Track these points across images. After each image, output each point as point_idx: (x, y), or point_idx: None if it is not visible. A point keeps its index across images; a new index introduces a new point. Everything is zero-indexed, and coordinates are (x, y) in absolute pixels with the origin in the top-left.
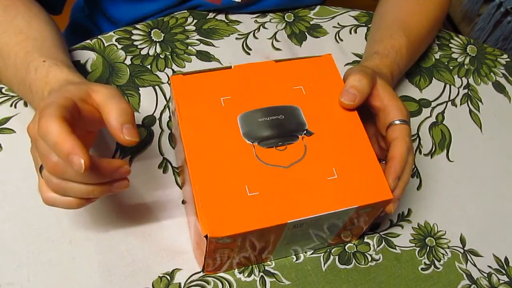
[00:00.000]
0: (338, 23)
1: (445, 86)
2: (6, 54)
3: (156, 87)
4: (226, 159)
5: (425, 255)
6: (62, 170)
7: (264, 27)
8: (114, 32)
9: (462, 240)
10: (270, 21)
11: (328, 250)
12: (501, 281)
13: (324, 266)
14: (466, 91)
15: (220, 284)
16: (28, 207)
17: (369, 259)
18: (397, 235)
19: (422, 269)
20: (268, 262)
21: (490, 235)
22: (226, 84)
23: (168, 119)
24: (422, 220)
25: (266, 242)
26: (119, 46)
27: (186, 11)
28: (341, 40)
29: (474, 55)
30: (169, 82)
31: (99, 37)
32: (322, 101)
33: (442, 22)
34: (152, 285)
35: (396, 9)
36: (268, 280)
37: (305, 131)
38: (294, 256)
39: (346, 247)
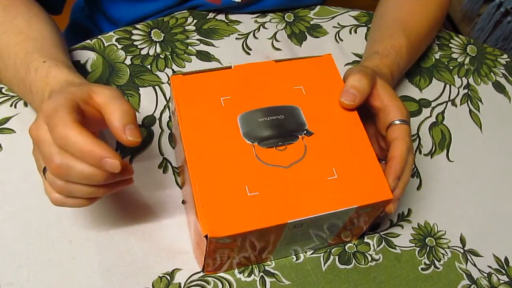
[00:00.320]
0: (338, 23)
1: (445, 86)
2: (6, 54)
3: (156, 87)
4: (226, 159)
5: (425, 255)
6: (66, 172)
7: (264, 27)
8: (114, 32)
9: (462, 240)
10: (270, 21)
11: (328, 250)
12: (501, 281)
13: (324, 266)
14: (466, 91)
15: (220, 284)
16: (28, 207)
17: (369, 259)
18: (397, 235)
19: (422, 269)
20: (268, 262)
21: (490, 235)
22: (226, 84)
23: (168, 119)
24: (422, 220)
25: (266, 242)
26: (119, 46)
27: (186, 11)
28: (341, 40)
29: (474, 55)
30: (169, 82)
31: (99, 37)
32: (322, 101)
33: (442, 22)
34: (152, 285)
35: (396, 9)
36: (268, 280)
37: (305, 131)
38: (294, 256)
39: (346, 247)
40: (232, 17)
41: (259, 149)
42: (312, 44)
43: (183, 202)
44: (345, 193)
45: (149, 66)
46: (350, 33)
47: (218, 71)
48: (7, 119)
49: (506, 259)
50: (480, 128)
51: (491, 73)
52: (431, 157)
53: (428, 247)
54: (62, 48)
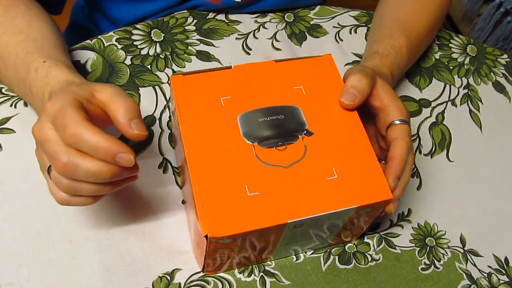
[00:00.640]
0: (338, 23)
1: (445, 86)
2: (6, 54)
3: (156, 87)
4: (226, 159)
5: (425, 255)
6: (72, 170)
7: (264, 27)
8: (114, 32)
9: (462, 240)
10: (270, 21)
11: (328, 250)
12: (501, 281)
13: (324, 266)
14: (466, 91)
15: (220, 284)
16: (28, 207)
17: (369, 259)
18: (397, 235)
19: (422, 269)
20: (268, 262)
21: (490, 235)
22: (226, 84)
23: (168, 119)
24: (422, 220)
25: (266, 242)
26: (119, 46)
27: (186, 11)
28: (341, 40)
29: (474, 55)
30: (169, 82)
31: (99, 37)
32: (322, 101)
33: (442, 22)
34: (152, 285)
35: (396, 9)
36: (268, 280)
37: (305, 131)
38: (294, 256)
39: (346, 247)
40: (232, 17)
41: (259, 149)
42: (312, 44)
43: (183, 202)
44: (345, 193)
45: (149, 66)
46: (350, 33)
47: (218, 71)
48: (7, 119)
49: (506, 259)
50: (480, 128)
51: (491, 73)
52: (431, 157)
53: (428, 247)
54: (62, 48)
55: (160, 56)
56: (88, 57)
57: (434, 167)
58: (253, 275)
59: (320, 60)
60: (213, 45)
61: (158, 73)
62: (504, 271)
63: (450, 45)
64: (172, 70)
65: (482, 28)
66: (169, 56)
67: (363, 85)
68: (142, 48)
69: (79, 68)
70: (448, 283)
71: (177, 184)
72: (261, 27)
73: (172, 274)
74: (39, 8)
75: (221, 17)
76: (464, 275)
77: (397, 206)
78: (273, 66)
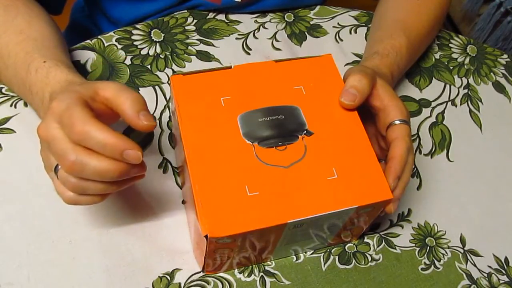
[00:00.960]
0: (338, 23)
1: (445, 86)
2: (6, 54)
3: (156, 87)
4: (226, 159)
5: (425, 255)
6: (80, 169)
7: (264, 27)
8: (114, 32)
9: (462, 240)
10: (270, 21)
11: (328, 250)
12: (501, 281)
13: (324, 266)
14: (466, 91)
15: (220, 284)
16: (28, 207)
17: (369, 259)
18: (397, 235)
19: (422, 269)
20: (268, 262)
21: (490, 235)
22: (226, 84)
23: (168, 119)
24: (422, 220)
25: (266, 242)
26: (119, 46)
27: (186, 11)
28: (341, 40)
29: (474, 55)
30: (169, 82)
31: (99, 37)
32: (322, 101)
33: (442, 22)
34: (152, 285)
35: (396, 9)
36: (268, 280)
37: (305, 131)
38: (294, 256)
39: (346, 247)
40: (232, 17)
41: (259, 149)
42: (312, 44)
43: (183, 202)
44: (345, 193)
45: (149, 66)
46: (350, 33)
47: (218, 71)
48: (7, 119)
49: (506, 259)
50: (480, 128)
51: (491, 73)
52: (431, 157)
53: (428, 247)
54: (62, 48)
55: (160, 56)
56: (88, 57)
57: (434, 167)
58: (253, 275)
59: (320, 60)
60: (213, 45)
61: (158, 73)
62: (504, 271)
63: (450, 45)
64: (172, 70)
65: (482, 28)
66: (169, 56)
67: (363, 85)
68: (142, 48)
69: (79, 68)
70: (448, 283)
71: (177, 184)
72: (261, 27)
73: (172, 274)
74: (39, 8)
75: (221, 17)
76: (464, 275)
77: (397, 206)
78: (273, 66)
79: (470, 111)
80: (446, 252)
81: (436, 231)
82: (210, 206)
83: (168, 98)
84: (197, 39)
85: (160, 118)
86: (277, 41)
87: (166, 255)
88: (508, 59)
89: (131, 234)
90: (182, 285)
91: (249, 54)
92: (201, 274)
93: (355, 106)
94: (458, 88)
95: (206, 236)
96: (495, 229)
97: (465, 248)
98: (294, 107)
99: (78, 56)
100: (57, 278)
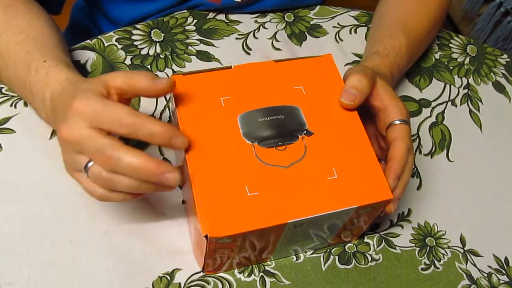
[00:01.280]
0: (338, 23)
1: (445, 86)
2: (6, 54)
3: None
4: (226, 159)
5: (425, 255)
6: (116, 164)
7: (264, 27)
8: (114, 32)
9: (462, 240)
10: (270, 21)
11: (328, 250)
12: (501, 281)
13: (324, 266)
14: (466, 91)
15: (220, 284)
16: (28, 207)
17: (369, 259)
18: (397, 235)
19: (422, 269)
20: (268, 262)
21: (490, 235)
22: (226, 84)
23: (168, 119)
24: (422, 220)
25: (266, 242)
26: (119, 46)
27: (186, 11)
28: (341, 40)
29: (474, 55)
30: None
31: (99, 37)
32: (322, 101)
33: (442, 22)
34: (152, 285)
35: (396, 9)
36: (268, 280)
37: (305, 131)
38: (294, 256)
39: (346, 247)
40: (232, 17)
41: (259, 149)
42: (312, 44)
43: (183, 202)
44: (345, 193)
45: (149, 66)
46: (350, 33)
47: (218, 71)
48: (7, 119)
49: (506, 259)
50: (480, 128)
51: (491, 73)
52: (431, 157)
53: (428, 247)
54: (62, 48)
55: (160, 56)
56: (88, 57)
57: (434, 167)
58: (253, 275)
59: (320, 60)
60: (213, 45)
61: (158, 73)
62: (504, 271)
63: (450, 45)
64: (172, 70)
65: (482, 28)
66: (169, 56)
67: (363, 85)
68: (142, 48)
69: (79, 68)
70: (448, 283)
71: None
72: (261, 27)
73: (172, 274)
74: (38, 8)
75: (221, 17)
76: (464, 275)
77: (397, 206)
78: (273, 66)
79: (470, 111)
80: (446, 252)
81: (436, 231)
82: (210, 206)
83: (168, 98)
84: (197, 39)
85: (160, 118)
86: (277, 41)
87: (166, 255)
88: (508, 59)
89: (131, 234)
90: (182, 285)
91: (249, 54)
92: (201, 274)
93: (355, 106)
94: (458, 88)
95: (206, 236)
96: (495, 229)
97: (465, 248)
98: (294, 107)
99: (78, 56)
100: (57, 278)
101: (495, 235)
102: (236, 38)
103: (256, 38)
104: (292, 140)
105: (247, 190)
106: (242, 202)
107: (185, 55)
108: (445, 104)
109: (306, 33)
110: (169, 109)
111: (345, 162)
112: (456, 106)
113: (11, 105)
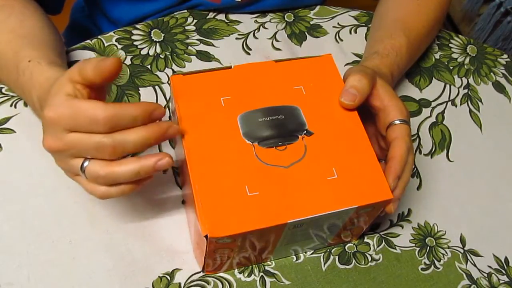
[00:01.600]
0: (338, 23)
1: (445, 86)
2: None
3: (156, 87)
4: (226, 159)
5: (425, 255)
6: (122, 147)
7: (264, 27)
8: (114, 32)
9: (462, 240)
10: (270, 21)
11: (328, 250)
12: (501, 281)
13: (324, 266)
14: (466, 91)
15: (220, 284)
16: (28, 207)
17: (369, 259)
18: (397, 235)
19: (422, 269)
20: (268, 262)
21: (490, 235)
22: (226, 84)
23: (168, 119)
24: (422, 220)
25: (266, 242)
26: (119, 46)
27: (186, 11)
28: (341, 40)
29: (474, 55)
30: (169, 82)
31: (99, 37)
32: (322, 101)
33: (442, 22)
34: (152, 285)
35: (396, 9)
36: (268, 280)
37: (305, 131)
38: (294, 256)
39: (346, 247)
40: (232, 17)
41: (259, 149)
42: (312, 44)
43: (183, 202)
44: (345, 193)
45: (149, 66)
46: (350, 33)
47: (218, 71)
48: (7, 119)
49: (506, 259)
50: (480, 128)
51: (491, 73)
52: (431, 157)
53: (428, 247)
54: (52, 46)
55: (160, 56)
56: (88, 57)
57: (434, 167)
58: (253, 275)
59: (320, 60)
60: (213, 45)
61: (158, 73)
62: (504, 271)
63: (450, 45)
64: (172, 70)
65: (482, 28)
66: (169, 56)
67: (363, 85)
68: (142, 48)
69: None
70: (448, 283)
71: (177, 184)
72: (261, 27)
73: (172, 274)
74: (35, 8)
75: (221, 17)
76: (464, 275)
77: (397, 206)
78: (273, 66)
79: (470, 111)
80: (446, 252)
81: (436, 231)
82: (210, 206)
83: (168, 98)
84: (197, 39)
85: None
86: (277, 41)
87: (166, 255)
88: (508, 59)
89: (131, 234)
90: (182, 285)
91: (249, 54)
92: (201, 274)
93: (355, 106)
94: (458, 88)
95: (206, 236)
96: (495, 229)
97: (465, 248)
98: (294, 107)
99: (78, 56)
100: (57, 278)
101: (495, 235)
102: (236, 38)
103: (256, 38)
104: (292, 140)
105: (247, 190)
106: (242, 202)
107: (185, 55)
108: (445, 104)
109: (306, 33)
110: (169, 109)
111: (345, 162)
112: (456, 106)
113: (11, 105)
